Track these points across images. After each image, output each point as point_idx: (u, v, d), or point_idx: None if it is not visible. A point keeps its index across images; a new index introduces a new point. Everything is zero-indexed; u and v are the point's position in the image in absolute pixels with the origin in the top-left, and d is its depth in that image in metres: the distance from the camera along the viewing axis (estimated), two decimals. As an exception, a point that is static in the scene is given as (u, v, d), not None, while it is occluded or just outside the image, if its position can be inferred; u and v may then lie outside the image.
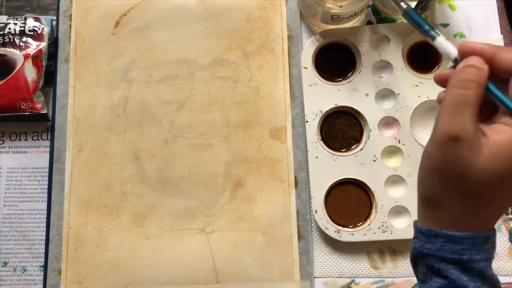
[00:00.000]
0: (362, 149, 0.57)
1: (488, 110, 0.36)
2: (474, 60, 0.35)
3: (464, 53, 0.36)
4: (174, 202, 0.57)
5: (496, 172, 0.33)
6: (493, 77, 0.35)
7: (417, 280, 0.39)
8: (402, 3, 0.45)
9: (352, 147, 0.58)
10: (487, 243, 0.35)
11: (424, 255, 0.36)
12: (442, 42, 0.39)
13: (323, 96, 0.58)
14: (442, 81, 0.37)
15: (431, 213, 0.36)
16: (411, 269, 0.57)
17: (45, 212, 0.57)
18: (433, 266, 0.36)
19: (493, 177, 0.33)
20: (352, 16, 0.57)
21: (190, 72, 0.59)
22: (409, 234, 0.55)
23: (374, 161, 0.56)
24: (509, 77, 0.35)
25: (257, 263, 0.55)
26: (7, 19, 0.59)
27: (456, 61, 0.37)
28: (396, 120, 0.57)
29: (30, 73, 0.58)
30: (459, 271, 0.35)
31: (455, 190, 0.34)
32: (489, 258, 0.35)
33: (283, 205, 0.56)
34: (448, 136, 0.33)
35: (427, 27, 0.40)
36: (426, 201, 0.37)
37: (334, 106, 0.58)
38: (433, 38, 0.39)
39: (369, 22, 0.61)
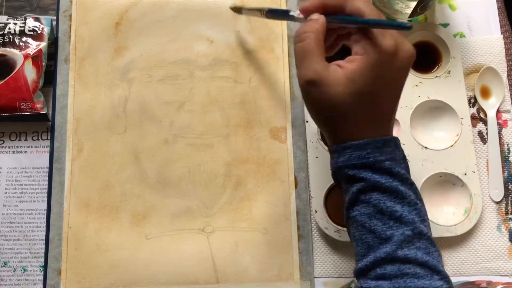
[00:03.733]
0: (362, 149, 0.57)
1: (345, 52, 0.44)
2: (313, 16, 0.42)
3: (312, 10, 0.43)
4: (174, 202, 0.57)
5: (358, 91, 0.40)
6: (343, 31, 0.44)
7: (343, 195, 0.44)
8: (262, 11, 0.51)
9: (352, 147, 0.58)
10: (387, 146, 0.41)
11: (340, 168, 0.42)
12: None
13: (323, 96, 0.58)
14: (306, 12, 0.44)
15: (337, 134, 0.43)
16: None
17: (45, 212, 0.57)
18: (349, 174, 0.42)
19: (357, 96, 0.40)
20: (352, 16, 0.56)
21: (190, 72, 0.59)
22: (409, 234, 0.55)
23: (374, 161, 0.56)
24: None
25: (257, 263, 0.55)
26: (7, 19, 0.59)
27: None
28: (396, 120, 0.57)
29: (30, 73, 0.57)
30: (370, 172, 0.41)
31: (336, 114, 0.41)
32: (393, 158, 0.41)
33: (283, 205, 0.56)
34: (306, 82, 0.41)
35: (289, 13, 0.46)
36: (326, 127, 0.43)
37: (334, 106, 0.58)
38: (293, 17, 0.46)
39: (369, 22, 0.61)
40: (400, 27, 0.39)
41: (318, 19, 0.42)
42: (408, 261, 0.40)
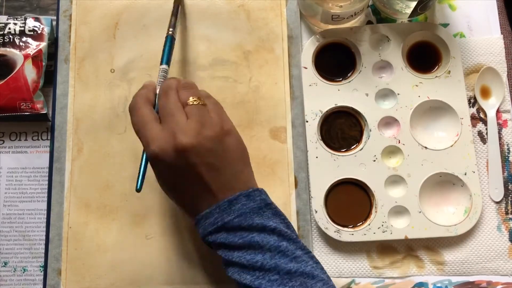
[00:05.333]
0: (362, 149, 0.57)
1: None
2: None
3: None
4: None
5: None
6: None
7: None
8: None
9: (352, 147, 0.58)
10: (232, 205, 0.44)
11: (204, 237, 0.45)
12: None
13: (323, 96, 0.58)
14: None
15: (192, 206, 0.46)
16: (411, 269, 0.57)
17: (45, 212, 0.57)
18: (210, 242, 0.45)
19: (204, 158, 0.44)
20: (352, 16, 0.57)
21: (190, 72, 0.59)
22: (409, 233, 0.55)
23: (374, 161, 0.56)
24: None
25: (257, 263, 0.55)
26: (7, 19, 0.59)
27: None
28: (396, 120, 0.57)
29: (30, 73, 0.58)
30: (224, 233, 0.44)
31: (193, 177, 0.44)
32: (241, 214, 0.44)
33: (283, 205, 0.56)
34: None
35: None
36: (181, 206, 0.47)
37: (334, 106, 0.58)
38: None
39: (369, 22, 0.61)
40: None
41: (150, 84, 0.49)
42: None
